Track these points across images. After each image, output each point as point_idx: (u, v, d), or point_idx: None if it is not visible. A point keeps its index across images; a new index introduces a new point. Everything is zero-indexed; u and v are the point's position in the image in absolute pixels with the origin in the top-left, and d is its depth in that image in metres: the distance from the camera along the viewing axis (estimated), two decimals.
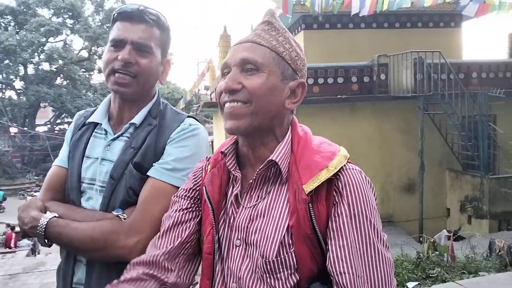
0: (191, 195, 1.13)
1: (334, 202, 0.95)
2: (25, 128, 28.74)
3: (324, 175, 0.94)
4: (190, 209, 1.11)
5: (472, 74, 10.43)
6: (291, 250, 0.95)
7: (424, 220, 9.03)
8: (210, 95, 12.60)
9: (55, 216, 1.24)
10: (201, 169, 1.16)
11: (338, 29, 11.56)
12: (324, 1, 6.56)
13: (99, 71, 32.70)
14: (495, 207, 8.54)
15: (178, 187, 1.19)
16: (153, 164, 1.27)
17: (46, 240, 1.24)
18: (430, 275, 4.93)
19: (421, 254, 5.52)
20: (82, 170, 1.35)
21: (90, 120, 1.41)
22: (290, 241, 0.96)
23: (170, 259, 1.06)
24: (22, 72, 29.49)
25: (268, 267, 0.96)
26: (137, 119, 1.34)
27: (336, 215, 0.94)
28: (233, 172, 1.06)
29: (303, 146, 1.02)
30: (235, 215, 1.04)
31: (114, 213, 1.24)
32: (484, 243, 6.39)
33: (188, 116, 1.39)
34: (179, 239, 1.08)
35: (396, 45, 10.44)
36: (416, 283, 4.68)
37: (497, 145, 9.29)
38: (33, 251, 12.81)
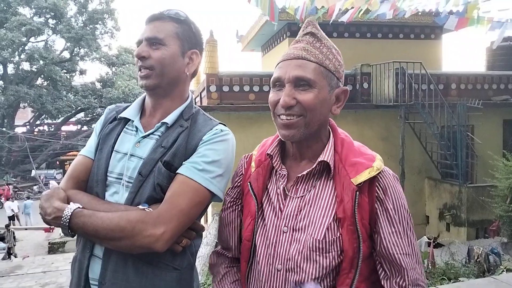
0: (235, 192, 1.35)
1: (380, 198, 1.13)
2: (4, 129, 28.09)
3: (368, 173, 1.12)
4: (234, 206, 1.33)
5: (451, 85, 10.71)
6: (338, 234, 1.11)
7: None
8: (195, 99, 12.58)
9: (79, 207, 1.24)
10: (241, 166, 1.36)
11: None
12: (307, 9, 6.65)
13: (81, 72, 32.28)
14: (472, 215, 8.76)
15: (204, 187, 1.27)
16: (183, 163, 1.30)
17: (69, 231, 1.24)
18: None
19: None
20: (110, 164, 1.36)
21: (122, 115, 1.44)
22: (336, 227, 1.11)
23: (235, 249, 1.33)
24: (1, 72, 28.88)
25: (316, 245, 1.11)
26: (169, 119, 1.37)
27: (384, 209, 1.13)
28: (279, 171, 1.22)
29: (346, 148, 1.19)
30: (281, 205, 1.19)
31: (140, 207, 1.26)
32: (463, 250, 6.54)
33: (220, 123, 1.42)
34: (236, 234, 1.32)
35: (378, 55, 10.65)
36: None
37: (475, 154, 9.54)
38: (9, 255, 12.51)
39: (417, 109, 9.25)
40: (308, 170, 1.16)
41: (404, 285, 1.10)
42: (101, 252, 1.31)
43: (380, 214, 1.13)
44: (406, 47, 11.75)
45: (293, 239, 1.14)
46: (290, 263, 1.12)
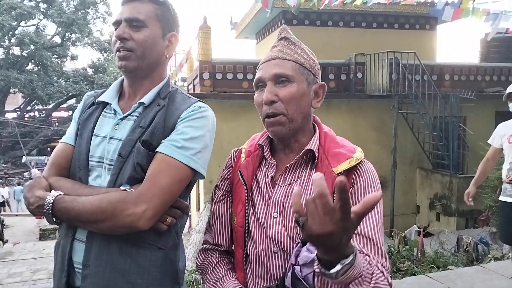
0: (225, 184, 1.39)
1: (353, 184, 1.19)
2: None
3: (348, 163, 1.19)
4: (226, 198, 1.38)
5: (445, 76, 10.74)
6: None
7: (395, 217, 9.28)
8: (188, 86, 12.51)
9: (60, 194, 1.24)
10: (230, 159, 1.42)
11: (317, 26, 11.68)
12: None
13: (72, 58, 31.90)
14: (462, 205, 8.85)
15: (185, 164, 1.28)
16: (162, 141, 1.29)
17: (54, 219, 1.24)
18: (401, 269, 5.09)
19: (392, 249, 5.69)
20: (91, 148, 1.36)
21: (100, 99, 1.43)
22: None
23: (228, 241, 1.38)
24: None
25: None
26: (146, 98, 1.36)
27: (356, 188, 1.19)
28: (269, 160, 1.30)
29: (329, 140, 1.27)
30: (270, 193, 1.26)
31: (122, 188, 1.26)
32: (452, 239, 6.63)
33: (198, 101, 1.41)
34: (229, 226, 1.37)
35: (372, 45, 10.64)
36: None
37: (466, 145, 9.61)
38: (0, 240, 12.46)
39: (410, 99, 9.27)
40: (295, 158, 1.25)
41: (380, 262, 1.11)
42: (84, 236, 1.30)
43: (352, 194, 1.18)
44: (400, 37, 11.74)
45: (283, 224, 1.22)
46: (284, 245, 1.20)
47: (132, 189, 1.25)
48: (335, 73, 10.10)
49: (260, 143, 1.32)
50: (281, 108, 1.21)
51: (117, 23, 1.36)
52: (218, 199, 1.39)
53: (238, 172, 1.32)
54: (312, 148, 1.24)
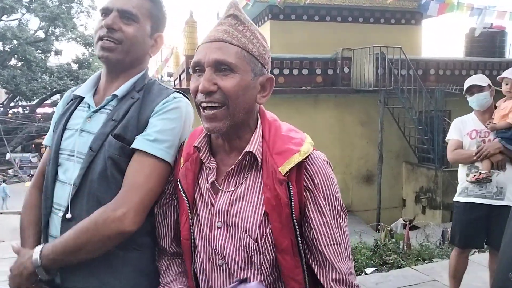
0: (168, 187, 1.24)
1: (308, 188, 1.08)
2: None
3: (296, 158, 1.06)
4: (170, 202, 1.24)
5: (430, 71, 10.84)
6: (268, 229, 1.06)
7: (381, 210, 9.38)
8: (174, 81, 12.42)
9: (40, 250, 1.20)
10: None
11: (304, 21, 11.68)
12: None
13: (56, 53, 31.40)
14: (447, 198, 8.97)
15: (161, 158, 1.22)
16: (136, 136, 1.26)
17: (51, 272, 1.22)
18: (387, 262, 5.13)
19: (378, 242, 5.72)
20: (62, 141, 1.33)
21: (75, 93, 1.40)
22: (267, 221, 1.06)
23: (174, 243, 1.25)
24: None
25: (252, 247, 1.07)
26: (120, 91, 1.32)
27: (313, 198, 1.08)
28: (208, 164, 1.14)
29: (274, 134, 1.11)
30: (213, 200, 1.12)
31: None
32: (437, 232, 6.71)
33: (176, 91, 1.37)
34: (173, 230, 1.24)
35: (359, 40, 10.68)
36: (374, 269, 4.87)
37: None
38: None
39: (396, 94, 9.35)
40: (235, 163, 1.10)
41: (337, 277, 1.06)
42: (57, 232, 1.27)
43: (310, 204, 1.08)
44: (386, 32, 11.81)
45: (228, 235, 1.09)
46: (229, 259, 1.09)
47: (69, 213, 1.25)
48: (322, 68, 10.12)
49: (196, 144, 1.14)
50: (221, 99, 1.04)
51: (106, 11, 1.31)
52: (161, 202, 1.24)
53: (178, 180, 1.16)
54: (251, 150, 1.08)
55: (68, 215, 1.25)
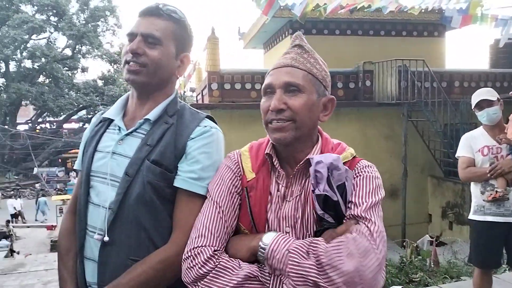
0: (238, 191, 1.26)
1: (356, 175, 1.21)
2: (6, 126, 28.15)
3: (344, 156, 1.22)
4: (238, 205, 1.25)
5: (454, 83, 10.66)
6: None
7: (407, 226, 9.16)
8: (196, 97, 12.57)
9: None
10: (238, 164, 1.29)
11: (325, 35, 11.68)
12: (306, 6, 6.59)
13: (83, 70, 32.29)
14: None
15: (203, 195, 1.28)
16: (176, 166, 1.29)
17: None
18: (413, 279, 5.00)
19: (404, 259, 5.60)
20: (93, 164, 1.35)
21: (104, 115, 1.42)
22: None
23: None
24: (3, 69, 28.95)
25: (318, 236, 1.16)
26: (152, 115, 1.34)
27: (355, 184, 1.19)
28: (279, 170, 1.24)
29: (328, 149, 1.26)
30: (280, 205, 1.21)
31: (96, 237, 1.29)
32: (465, 249, 6.50)
33: (207, 116, 1.39)
34: (232, 232, 1.24)
35: (381, 53, 10.60)
36: (400, 287, 4.75)
37: None
38: (12, 252, 12.53)
39: (420, 107, 9.20)
40: (297, 168, 1.21)
41: (352, 213, 1.13)
42: (93, 254, 1.30)
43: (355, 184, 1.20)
44: (409, 45, 11.69)
45: (295, 238, 1.18)
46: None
47: (106, 236, 1.26)
48: (344, 81, 10.08)
49: (268, 152, 1.26)
50: (289, 116, 1.18)
51: (132, 35, 1.34)
52: (229, 192, 1.24)
53: (248, 208, 1.22)
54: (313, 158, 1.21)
55: (106, 238, 1.26)
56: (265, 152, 1.26)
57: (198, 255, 1.14)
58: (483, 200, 3.07)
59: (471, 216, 3.19)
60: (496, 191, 3.00)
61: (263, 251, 1.12)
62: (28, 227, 17.84)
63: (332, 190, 1.11)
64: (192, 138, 1.30)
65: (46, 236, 15.34)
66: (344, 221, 1.14)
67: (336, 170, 1.12)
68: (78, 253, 1.34)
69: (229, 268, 1.12)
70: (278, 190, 1.23)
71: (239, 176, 1.27)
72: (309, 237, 1.16)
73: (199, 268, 1.12)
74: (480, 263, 3.17)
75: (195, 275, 1.12)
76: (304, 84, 1.19)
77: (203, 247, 1.15)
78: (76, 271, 1.35)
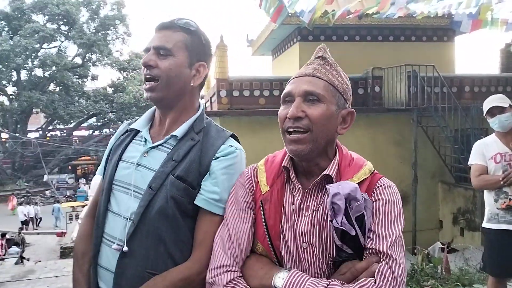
0: (250, 207, 1.27)
1: (376, 199, 1.17)
2: (17, 134, 28.49)
3: (363, 173, 1.19)
4: (252, 221, 1.25)
5: (464, 88, 10.56)
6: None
7: (417, 232, 9.07)
8: (205, 104, 12.61)
9: None
10: (250, 179, 1.29)
11: (333, 41, 11.67)
12: (314, 13, 6.60)
13: (93, 78, 32.62)
14: None
15: (221, 215, 1.29)
16: (200, 183, 1.31)
17: None
18: (425, 287, 4.93)
19: (415, 266, 5.53)
20: (116, 173, 1.37)
21: (132, 126, 1.45)
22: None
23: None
24: (14, 78, 29.32)
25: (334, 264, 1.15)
26: (179, 131, 1.36)
27: (378, 206, 1.15)
28: (295, 183, 1.23)
29: (345, 164, 1.22)
30: (297, 221, 1.19)
31: (115, 247, 1.30)
32: (477, 256, 6.40)
33: (231, 135, 1.42)
34: (249, 249, 1.24)
35: (390, 58, 10.55)
36: None
37: None
38: (22, 259, 12.62)
39: (430, 112, 9.13)
40: (313, 182, 1.20)
41: (375, 247, 1.09)
42: (110, 265, 1.30)
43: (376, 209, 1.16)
44: (418, 50, 11.63)
45: (314, 254, 1.17)
46: (322, 272, 1.16)
47: (125, 246, 1.27)
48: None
49: (285, 165, 1.25)
50: (306, 125, 1.16)
51: (146, 51, 1.37)
52: (246, 222, 1.25)
53: (263, 221, 1.21)
54: (329, 174, 1.19)
55: (125, 249, 1.27)
56: (282, 165, 1.25)
57: (216, 280, 1.18)
58: (497, 208, 3.03)
59: (485, 225, 3.15)
60: (510, 199, 2.96)
61: None
62: (38, 233, 17.97)
63: (350, 222, 1.07)
64: (217, 158, 1.32)
65: (56, 243, 15.43)
66: (364, 255, 1.10)
67: (355, 201, 1.09)
68: (92, 259, 1.35)
69: None
70: (292, 203, 1.21)
71: (251, 192, 1.27)
72: (328, 255, 1.14)
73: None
74: (495, 271, 3.12)
75: None
76: (324, 94, 1.18)
77: (221, 273, 1.18)
78: (90, 276, 1.35)
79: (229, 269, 1.18)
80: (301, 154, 1.18)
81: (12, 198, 23.11)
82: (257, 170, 1.30)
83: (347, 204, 1.07)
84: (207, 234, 1.27)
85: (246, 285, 1.15)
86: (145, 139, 1.39)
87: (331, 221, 1.09)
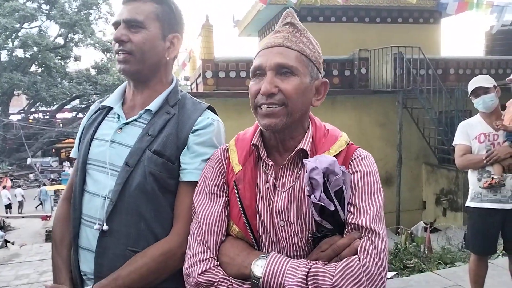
0: (222, 189, 1.21)
1: (353, 171, 1.12)
2: None
3: (339, 145, 1.15)
4: (224, 204, 1.19)
5: (449, 70, 10.65)
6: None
7: (401, 213, 9.22)
8: (191, 85, 12.48)
9: None
10: (220, 161, 1.23)
11: (320, 22, 11.60)
12: None
13: (75, 59, 31.94)
14: None
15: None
16: (178, 157, 1.28)
17: None
18: (408, 266, 5.04)
19: (398, 245, 5.64)
20: (90, 151, 1.33)
21: (103, 104, 1.40)
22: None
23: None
24: None
25: (316, 241, 1.10)
26: (153, 105, 1.32)
27: (356, 178, 1.11)
28: (266, 161, 1.17)
29: (320, 135, 1.18)
30: (273, 199, 1.14)
31: (96, 227, 1.27)
32: (459, 235, 6.57)
33: (208, 107, 1.38)
34: (224, 234, 1.18)
35: (376, 40, 10.56)
36: (394, 273, 4.79)
37: None
38: (6, 242, 12.50)
39: (415, 94, 9.20)
40: (287, 158, 1.14)
41: (356, 222, 1.06)
42: (90, 245, 1.28)
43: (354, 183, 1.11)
44: (404, 32, 11.65)
45: (291, 231, 1.12)
46: (300, 250, 1.12)
47: (105, 225, 1.24)
48: (339, 69, 10.04)
49: (255, 142, 1.18)
50: (281, 100, 1.10)
51: (116, 24, 1.32)
52: (218, 206, 1.19)
53: (238, 198, 1.16)
54: (304, 147, 1.14)
55: (105, 227, 1.24)
56: (252, 143, 1.19)
57: (190, 271, 1.13)
58: (480, 187, 3.07)
59: (468, 203, 3.20)
60: (492, 178, 3.01)
61: (256, 282, 1.03)
62: (23, 217, 17.80)
63: (329, 197, 1.04)
64: (195, 131, 1.29)
65: (41, 226, 15.32)
66: (345, 231, 1.07)
67: (333, 175, 1.04)
68: (72, 242, 1.32)
69: None
70: (267, 181, 1.16)
71: (222, 174, 1.21)
72: (307, 231, 1.10)
73: (198, 284, 1.11)
74: (477, 249, 3.19)
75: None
76: (297, 66, 1.10)
77: (195, 263, 1.13)
78: (70, 260, 1.33)
79: (201, 258, 1.12)
80: (275, 128, 1.11)
81: (6, 180, 22.68)
82: (227, 150, 1.25)
83: (325, 179, 1.03)
84: (186, 205, 1.24)
85: (223, 274, 1.09)
86: (118, 115, 1.35)
87: (309, 196, 1.04)
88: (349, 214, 1.07)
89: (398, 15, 12.09)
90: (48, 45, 28.56)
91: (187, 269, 1.14)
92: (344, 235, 1.07)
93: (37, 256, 10.50)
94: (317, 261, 1.04)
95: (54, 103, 30.40)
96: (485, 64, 10.89)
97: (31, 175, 27.78)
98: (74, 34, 30.18)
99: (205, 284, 1.09)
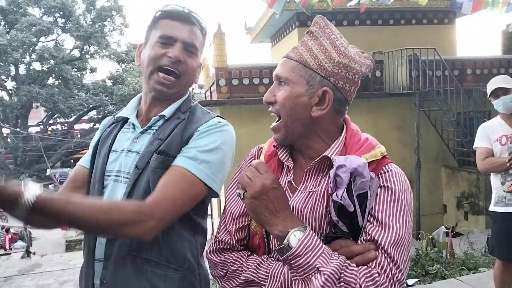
0: None
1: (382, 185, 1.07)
2: (18, 129, 28.46)
3: (371, 155, 1.10)
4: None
5: (466, 71, 10.47)
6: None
7: (421, 217, 9.06)
8: (205, 93, 12.53)
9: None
10: (253, 158, 1.30)
11: None
12: None
13: (91, 70, 32.43)
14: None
15: (200, 179, 1.24)
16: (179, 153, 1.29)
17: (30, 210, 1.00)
18: (430, 272, 4.92)
19: (419, 251, 5.51)
20: (108, 164, 1.33)
21: (119, 115, 1.42)
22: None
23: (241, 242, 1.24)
24: (13, 72, 29.15)
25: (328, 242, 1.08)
26: (167, 112, 1.34)
27: (383, 194, 1.06)
28: (285, 163, 1.19)
29: (353, 142, 1.14)
30: (289, 198, 1.14)
31: None
32: (482, 239, 6.39)
33: (218, 116, 1.40)
34: (246, 225, 1.22)
35: (390, 42, 10.45)
36: (416, 280, 4.68)
37: None
38: (28, 253, 12.69)
39: (432, 96, 9.06)
40: (311, 163, 1.14)
41: (374, 235, 1.01)
42: (101, 254, 1.28)
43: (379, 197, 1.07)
44: (419, 33, 11.51)
45: None
46: None
47: None
48: None
49: (275, 144, 1.21)
50: (277, 110, 1.15)
51: (170, 40, 1.30)
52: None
53: None
54: (328, 155, 1.11)
55: None
56: (273, 145, 1.23)
57: (211, 257, 1.21)
58: (504, 191, 2.99)
59: (492, 208, 3.12)
60: None
61: (285, 252, 1.00)
62: None
63: (351, 199, 1.00)
64: (200, 131, 1.30)
65: (61, 236, 15.51)
66: (361, 238, 1.03)
67: (360, 177, 1.00)
68: (87, 256, 1.32)
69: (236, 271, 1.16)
70: (288, 181, 1.18)
71: None
72: (320, 233, 1.08)
73: (215, 264, 1.20)
74: (503, 255, 3.10)
75: (214, 270, 1.21)
76: (288, 76, 1.12)
77: (216, 250, 1.21)
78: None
79: (223, 246, 1.20)
80: (278, 142, 1.18)
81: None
82: (261, 150, 1.30)
83: (351, 179, 1.00)
84: (168, 182, 1.20)
85: (245, 264, 1.15)
86: (133, 125, 1.37)
87: (331, 194, 1.02)
88: (368, 224, 1.03)
89: (411, 17, 11.97)
90: (65, 58, 29.05)
91: (208, 253, 1.22)
92: (359, 242, 1.03)
93: (58, 266, 10.63)
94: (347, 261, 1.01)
95: (72, 114, 30.84)
96: (503, 63, 10.67)
97: (50, 186, 28.19)
98: (89, 46, 30.64)
99: (220, 265, 1.17)
